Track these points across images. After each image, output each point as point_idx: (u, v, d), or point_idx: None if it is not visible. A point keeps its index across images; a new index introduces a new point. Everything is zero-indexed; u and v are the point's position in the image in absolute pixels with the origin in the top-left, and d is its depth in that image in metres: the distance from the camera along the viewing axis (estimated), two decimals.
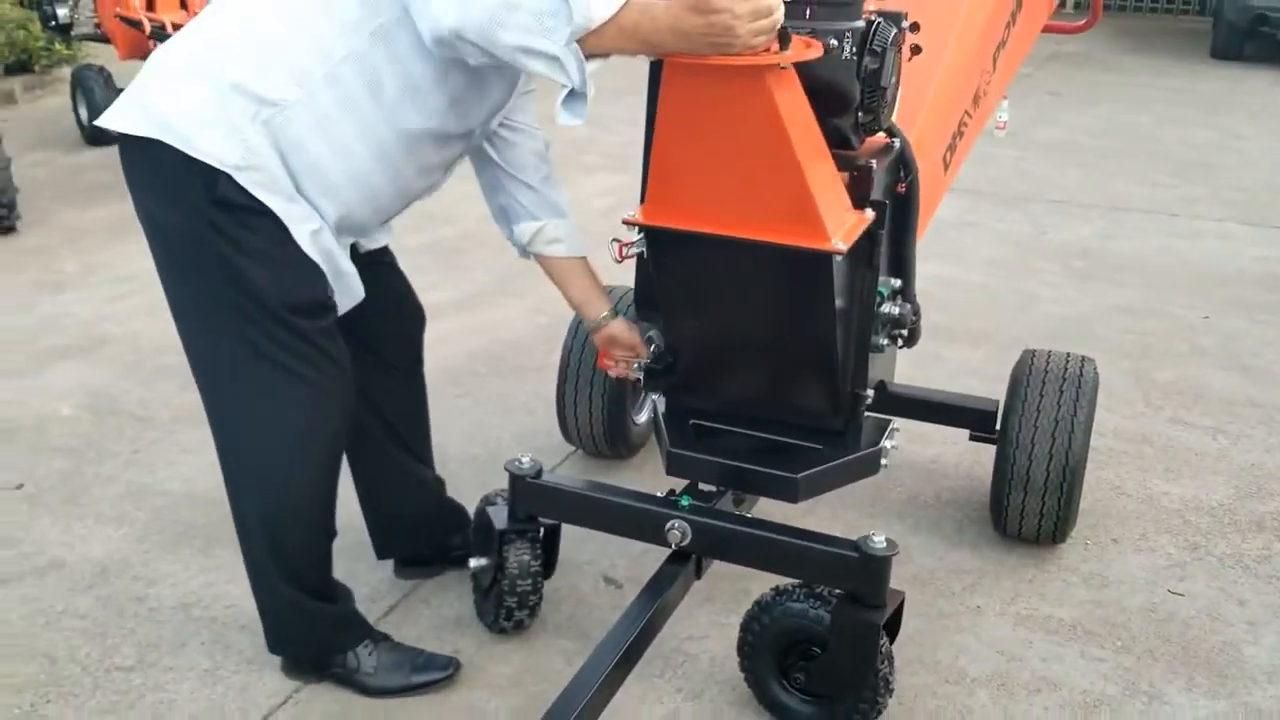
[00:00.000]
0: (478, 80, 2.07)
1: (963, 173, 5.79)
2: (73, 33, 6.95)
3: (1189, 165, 6.57)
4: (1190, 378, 3.83)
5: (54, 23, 6.81)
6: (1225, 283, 4.74)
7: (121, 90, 6.88)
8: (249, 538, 2.24)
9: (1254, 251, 5.13)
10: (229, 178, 1.94)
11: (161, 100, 1.98)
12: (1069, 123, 7.53)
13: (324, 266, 2.07)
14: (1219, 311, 4.42)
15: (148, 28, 6.04)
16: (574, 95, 1.87)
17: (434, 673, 2.34)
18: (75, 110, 6.67)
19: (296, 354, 2.06)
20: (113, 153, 6.15)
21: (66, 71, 7.76)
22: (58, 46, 8.08)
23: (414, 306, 2.52)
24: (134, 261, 4.80)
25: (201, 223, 1.99)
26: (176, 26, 5.93)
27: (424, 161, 2.12)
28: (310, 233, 2.04)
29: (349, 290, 2.16)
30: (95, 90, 6.48)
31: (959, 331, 4.17)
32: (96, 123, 2.07)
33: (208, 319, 2.09)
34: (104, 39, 6.85)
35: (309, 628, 2.30)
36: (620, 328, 2.50)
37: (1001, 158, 6.49)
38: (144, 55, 6.62)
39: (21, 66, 7.91)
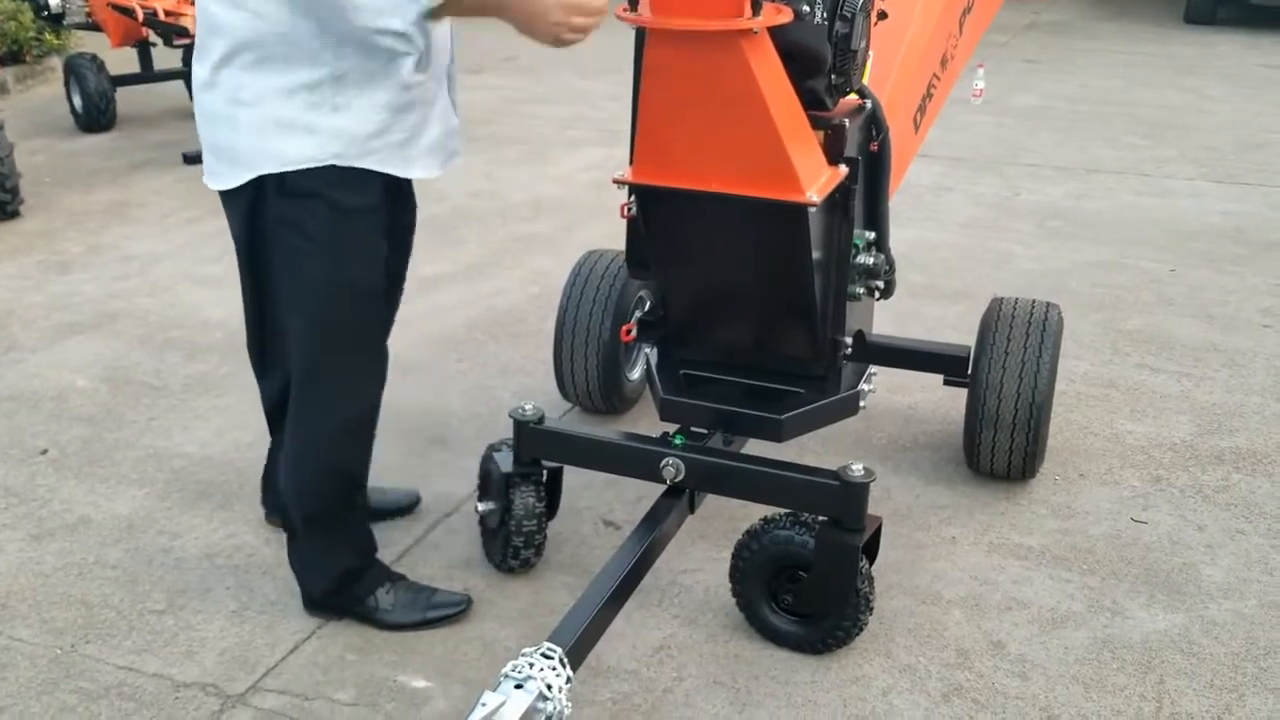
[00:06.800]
0: None
1: (940, 139, 6.02)
2: (65, 22, 7.04)
3: (1161, 127, 6.74)
4: (1157, 326, 4.01)
5: (46, 12, 6.91)
6: (1193, 237, 4.91)
7: (114, 78, 6.92)
8: (302, 498, 2.42)
9: (1222, 207, 5.31)
10: (349, 171, 2.13)
11: (235, 145, 2.15)
12: (1044, 89, 7.68)
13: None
14: (1186, 264, 4.60)
15: (140, 15, 6.14)
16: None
17: (447, 608, 2.51)
18: (69, 98, 6.76)
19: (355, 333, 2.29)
20: (108, 139, 6.25)
21: (57, 61, 7.85)
22: (48, 36, 8.17)
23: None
24: (136, 243, 4.94)
25: (273, 219, 2.21)
26: (169, 13, 6.04)
27: None
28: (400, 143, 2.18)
29: (434, 158, 2.28)
30: (89, 78, 6.57)
31: (937, 290, 4.35)
32: (211, 187, 2.28)
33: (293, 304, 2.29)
34: (95, 27, 6.95)
35: (338, 581, 2.47)
36: None
37: (978, 124, 6.64)
38: (136, 42, 6.73)
39: (13, 57, 7.99)
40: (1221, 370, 3.68)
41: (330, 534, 2.44)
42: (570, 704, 1.94)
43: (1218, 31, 9.75)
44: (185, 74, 7.00)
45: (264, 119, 2.11)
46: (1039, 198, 5.47)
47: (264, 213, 2.22)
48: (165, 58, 6.95)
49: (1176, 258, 4.68)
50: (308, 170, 2.12)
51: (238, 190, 2.21)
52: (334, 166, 2.13)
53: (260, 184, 2.17)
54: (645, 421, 3.28)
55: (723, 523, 2.81)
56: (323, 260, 2.20)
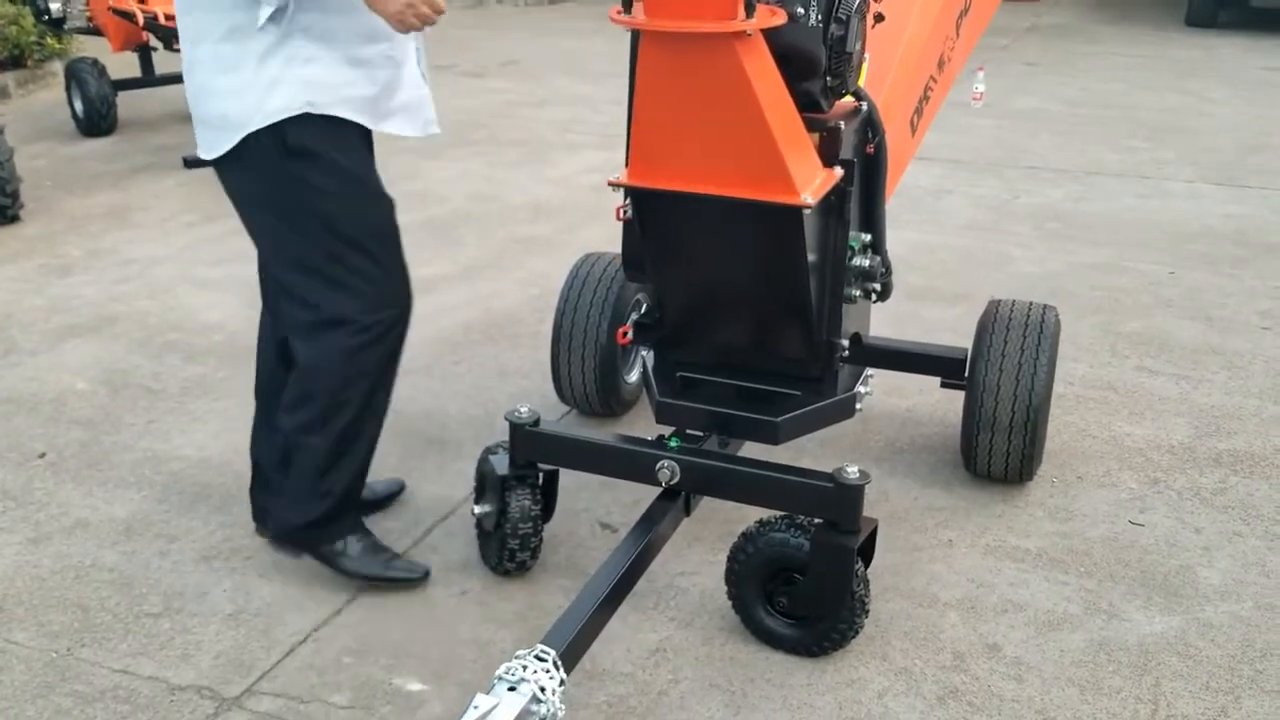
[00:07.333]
0: None
1: (940, 142, 6.02)
2: (65, 26, 7.06)
3: (1162, 130, 6.74)
4: (1156, 328, 4.00)
5: (47, 17, 6.92)
6: (1193, 239, 4.91)
7: (115, 82, 6.94)
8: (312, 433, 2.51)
9: (1221, 209, 5.30)
10: (294, 121, 2.29)
11: (224, 111, 2.31)
12: (1045, 92, 7.69)
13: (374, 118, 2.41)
14: (1186, 266, 4.60)
15: (140, 19, 6.16)
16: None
17: (405, 571, 2.61)
18: (70, 103, 6.78)
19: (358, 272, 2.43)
20: (109, 143, 6.26)
21: (58, 66, 7.87)
22: (49, 41, 8.18)
23: None
24: (136, 246, 4.95)
25: (283, 178, 2.35)
26: (169, 17, 6.05)
27: None
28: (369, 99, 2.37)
29: (412, 120, 2.48)
30: (90, 82, 6.59)
31: (936, 292, 4.34)
32: (207, 157, 2.42)
33: (298, 251, 2.42)
34: (96, 32, 6.97)
35: (327, 511, 2.54)
36: None
37: (978, 127, 6.65)
38: (137, 46, 6.75)
39: (14, 62, 8.01)
40: (1220, 372, 3.67)
41: (340, 458, 2.52)
42: (564, 706, 1.94)
43: (1219, 34, 9.76)
44: None
45: (245, 82, 2.27)
46: (1039, 200, 5.47)
47: (269, 174, 2.35)
48: (166, 62, 6.96)
49: (1176, 260, 4.67)
50: (301, 128, 2.29)
51: (233, 155, 2.34)
52: (310, 116, 2.29)
53: (257, 144, 2.30)
54: (642, 424, 3.28)
55: (719, 525, 2.80)
56: (340, 205, 2.37)
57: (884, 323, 3.52)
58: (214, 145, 2.37)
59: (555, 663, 1.94)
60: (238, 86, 2.28)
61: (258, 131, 2.29)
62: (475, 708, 1.78)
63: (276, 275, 2.52)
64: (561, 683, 1.94)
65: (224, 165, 2.40)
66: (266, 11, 2.22)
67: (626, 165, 2.33)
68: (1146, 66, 8.54)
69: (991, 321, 2.94)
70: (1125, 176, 5.83)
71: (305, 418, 2.50)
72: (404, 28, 2.25)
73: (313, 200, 2.36)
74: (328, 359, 2.45)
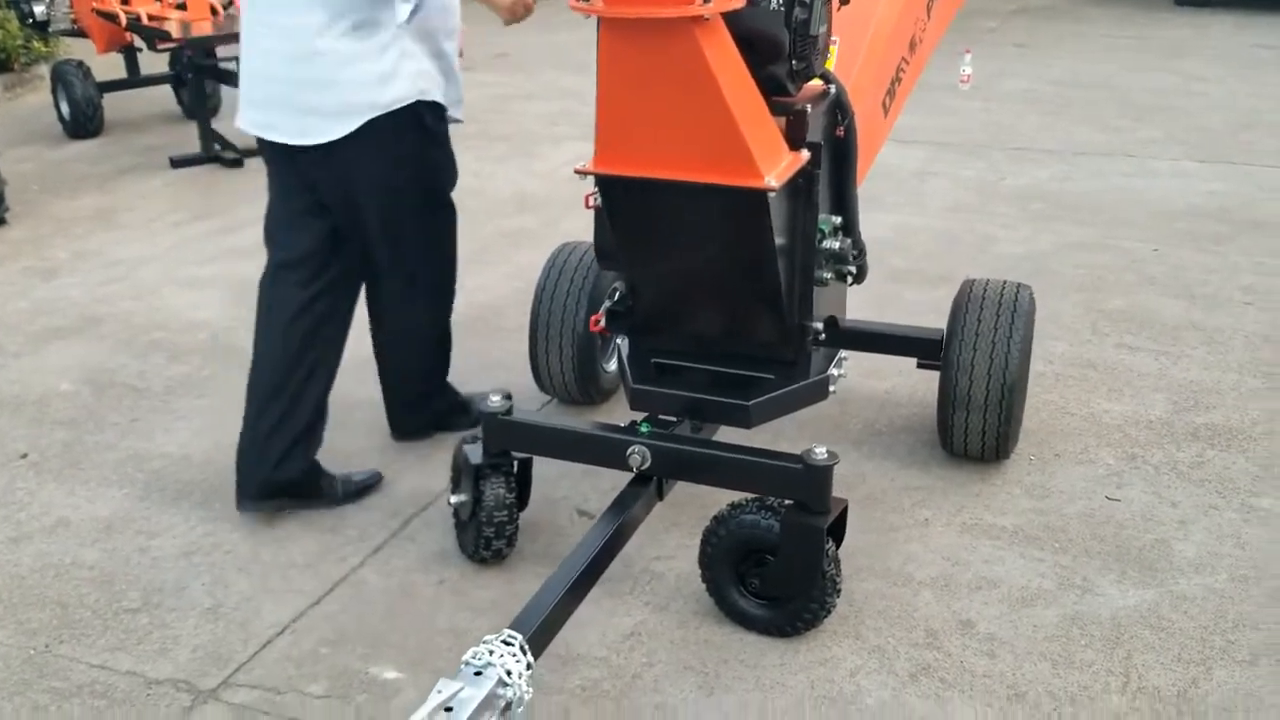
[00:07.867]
0: None
1: (926, 124, 6.02)
2: (50, 29, 7.06)
3: (1149, 109, 6.72)
4: (1137, 306, 4.01)
5: (31, 20, 6.92)
6: (1177, 217, 4.91)
7: (100, 84, 6.92)
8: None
9: (1207, 187, 5.29)
10: (426, 105, 2.68)
11: (344, 99, 2.57)
12: (1033, 74, 7.66)
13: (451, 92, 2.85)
14: (1170, 244, 4.59)
15: (124, 20, 6.16)
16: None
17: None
18: (56, 105, 6.78)
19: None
20: (95, 145, 6.22)
21: (44, 69, 7.87)
22: (35, 44, 8.19)
23: None
24: (122, 247, 4.96)
25: (417, 153, 2.74)
26: (152, 18, 6.06)
27: None
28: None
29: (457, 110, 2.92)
30: (75, 84, 6.59)
31: (920, 274, 4.34)
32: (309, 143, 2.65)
33: (419, 216, 2.88)
34: (81, 34, 6.97)
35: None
36: None
37: (965, 109, 6.63)
38: (121, 48, 6.75)
39: (0, 65, 8.01)
40: (1199, 348, 3.68)
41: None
42: (530, 689, 1.95)
43: (1210, 13, 9.72)
44: (172, 78, 7.03)
45: (366, 73, 2.55)
46: (1025, 181, 5.46)
47: (405, 151, 2.69)
48: (151, 63, 6.96)
49: (1160, 238, 4.67)
50: (425, 110, 2.67)
51: (356, 138, 2.59)
52: (422, 103, 2.65)
53: (389, 125, 2.61)
54: (622, 412, 3.28)
55: (697, 510, 2.80)
56: (446, 170, 2.91)
57: (865, 305, 3.52)
58: (324, 130, 2.58)
59: (522, 647, 1.95)
60: (359, 77, 2.54)
61: (393, 114, 2.59)
62: (438, 692, 1.79)
63: (389, 244, 2.84)
64: (529, 666, 1.95)
65: (338, 149, 2.59)
66: (406, 10, 2.52)
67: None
68: (1137, 46, 8.51)
69: (965, 300, 2.94)
70: (1112, 156, 5.82)
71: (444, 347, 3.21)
72: (514, 19, 2.76)
73: (432, 171, 2.82)
74: (443, 305, 3.13)
